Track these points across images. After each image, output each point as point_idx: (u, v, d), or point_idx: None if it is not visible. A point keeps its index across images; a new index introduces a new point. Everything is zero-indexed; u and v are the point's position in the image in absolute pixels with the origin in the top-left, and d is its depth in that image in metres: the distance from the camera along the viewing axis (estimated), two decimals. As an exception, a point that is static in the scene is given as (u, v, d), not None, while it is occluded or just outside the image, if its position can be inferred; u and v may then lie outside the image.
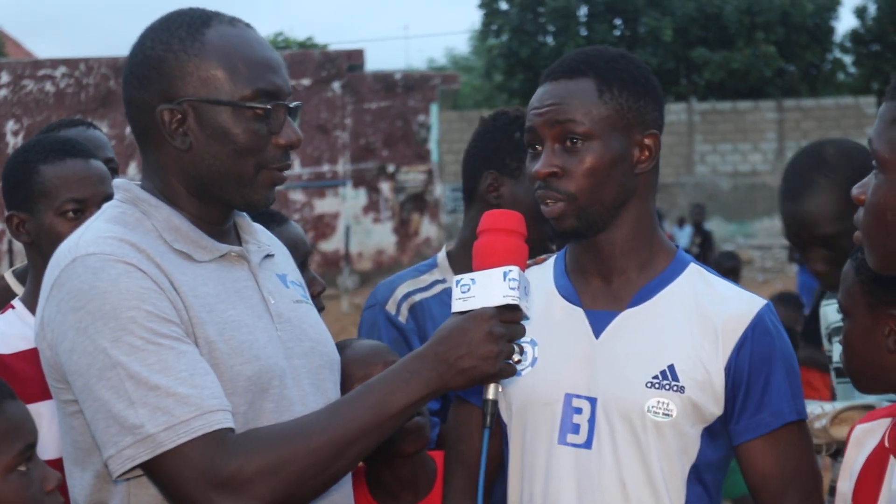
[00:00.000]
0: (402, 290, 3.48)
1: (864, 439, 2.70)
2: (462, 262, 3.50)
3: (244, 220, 2.59)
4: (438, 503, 2.97)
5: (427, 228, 26.42)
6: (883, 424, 2.69)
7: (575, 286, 2.70)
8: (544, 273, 2.78)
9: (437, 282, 3.50)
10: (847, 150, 3.33)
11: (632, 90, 2.61)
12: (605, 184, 2.59)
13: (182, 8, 2.44)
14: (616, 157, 2.59)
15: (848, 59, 41.71)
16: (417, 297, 3.46)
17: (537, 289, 2.71)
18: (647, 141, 2.63)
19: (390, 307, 3.45)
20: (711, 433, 2.60)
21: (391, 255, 26.39)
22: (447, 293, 3.43)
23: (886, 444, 2.62)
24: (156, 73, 2.36)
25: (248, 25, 2.44)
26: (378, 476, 3.03)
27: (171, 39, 2.36)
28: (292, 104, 2.43)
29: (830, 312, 3.58)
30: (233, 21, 2.42)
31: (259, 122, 2.37)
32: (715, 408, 2.58)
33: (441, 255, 3.57)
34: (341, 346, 3.03)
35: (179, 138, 2.37)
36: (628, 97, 2.60)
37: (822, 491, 2.67)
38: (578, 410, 2.61)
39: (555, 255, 2.82)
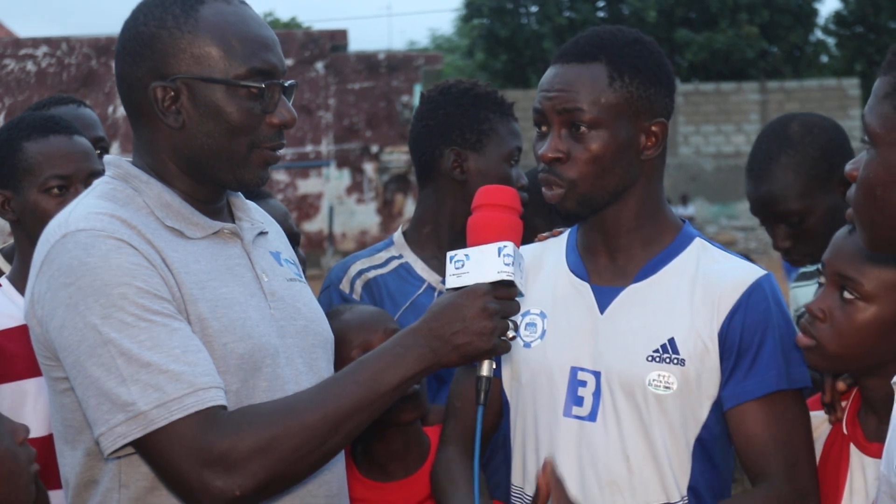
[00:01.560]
0: (355, 268, 3.45)
1: (820, 426, 2.69)
2: (418, 240, 3.50)
3: (238, 197, 2.57)
4: (428, 478, 2.94)
5: (411, 209, 26.37)
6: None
7: (584, 262, 2.72)
8: (558, 248, 2.79)
9: (392, 258, 3.48)
10: (811, 126, 3.32)
11: (643, 77, 2.60)
12: (609, 171, 2.60)
13: None
14: (622, 145, 2.60)
15: (831, 41, 41.77)
16: (372, 274, 3.43)
17: (549, 262, 2.75)
18: (654, 128, 2.63)
19: (344, 286, 3.42)
20: (717, 406, 2.60)
21: (375, 236, 26.38)
22: (404, 268, 3.44)
23: (845, 430, 2.62)
24: (149, 49, 2.34)
25: (243, 2, 2.41)
26: (368, 449, 3.01)
27: (164, 15, 2.34)
28: (287, 83, 2.41)
29: (801, 295, 3.58)
30: None
31: (253, 101, 2.35)
32: (716, 377, 2.58)
33: (397, 234, 3.55)
34: (341, 310, 3.00)
35: (172, 116, 2.35)
36: (639, 85, 2.59)
37: (815, 461, 2.63)
38: (583, 383, 2.62)
39: (569, 230, 2.83)
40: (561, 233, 2.85)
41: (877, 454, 2.52)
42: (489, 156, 3.43)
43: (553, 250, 2.79)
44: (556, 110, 2.60)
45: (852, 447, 2.60)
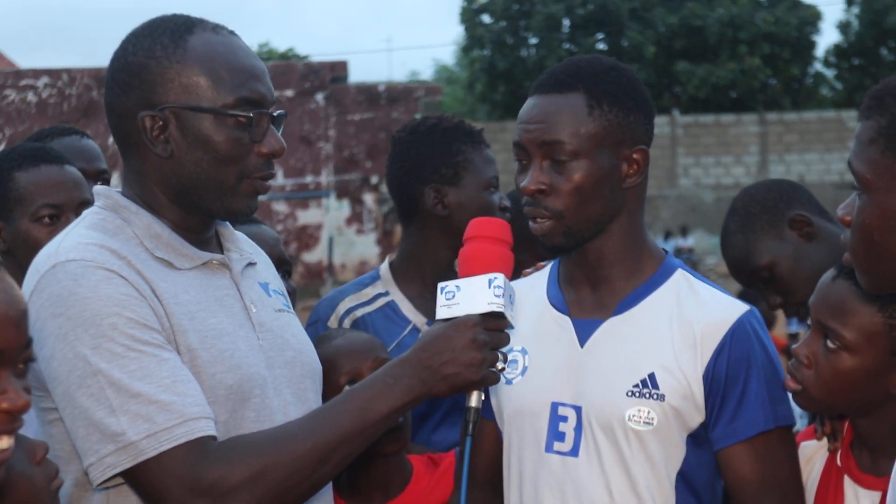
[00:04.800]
0: (343, 306, 3.46)
1: (814, 456, 2.70)
2: (405, 274, 3.51)
3: (226, 228, 2.57)
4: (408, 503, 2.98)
5: (410, 240, 26.37)
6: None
7: (564, 295, 2.70)
8: (540, 282, 2.78)
9: (379, 295, 3.48)
10: (749, 190, 3.55)
11: (622, 105, 2.59)
12: (592, 200, 2.58)
13: (165, 14, 2.42)
14: (604, 174, 2.58)
15: (830, 74, 41.92)
16: (360, 312, 3.44)
17: (531, 297, 2.73)
18: (635, 156, 2.61)
19: (332, 323, 3.43)
20: (695, 439, 2.59)
21: (374, 266, 26.30)
22: (390, 306, 3.45)
23: (839, 462, 2.62)
24: (137, 79, 2.35)
25: (231, 32, 2.42)
26: (350, 475, 3.02)
27: (153, 45, 2.35)
28: (276, 113, 2.41)
29: None
30: (216, 28, 2.40)
31: (241, 131, 2.35)
32: (697, 415, 2.58)
33: (384, 267, 3.55)
34: (333, 335, 3.01)
35: (161, 145, 2.36)
36: (618, 113, 2.58)
37: (803, 498, 2.65)
38: (564, 419, 2.61)
39: (552, 263, 2.81)
40: (543, 267, 2.84)
41: (871, 486, 2.54)
42: (468, 187, 3.45)
43: (536, 285, 2.77)
44: (536, 143, 2.58)
45: (846, 478, 2.60)
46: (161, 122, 2.34)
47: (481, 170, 3.47)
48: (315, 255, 26.24)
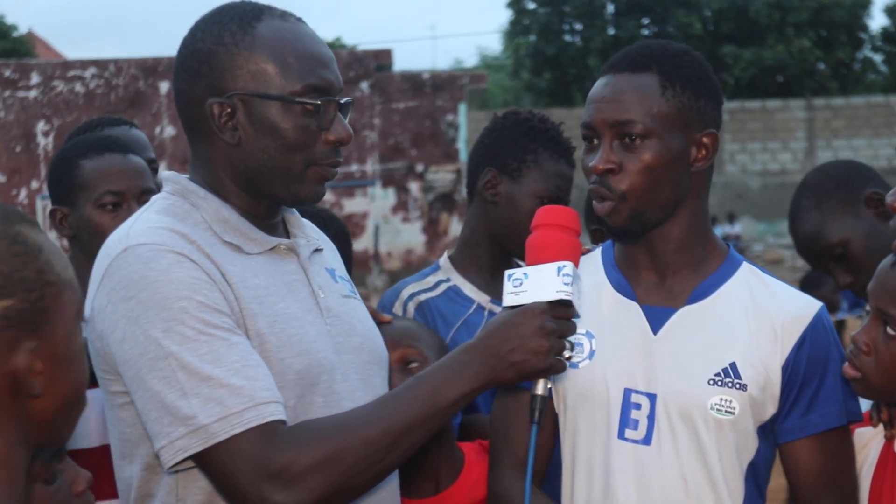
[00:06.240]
0: (407, 292, 3.50)
1: (869, 443, 2.69)
2: (462, 261, 3.55)
3: (293, 214, 2.59)
4: (461, 494, 2.94)
5: (456, 228, 26.40)
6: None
7: (628, 279, 2.68)
8: (592, 264, 2.74)
9: (441, 281, 3.52)
10: (823, 167, 3.53)
11: (694, 88, 2.58)
12: (661, 182, 2.57)
13: (234, 1, 2.43)
14: (674, 156, 2.56)
15: (878, 58, 41.54)
16: (423, 297, 3.47)
17: (587, 280, 2.67)
18: (705, 140, 2.60)
19: (397, 309, 3.45)
20: (765, 431, 2.59)
21: (420, 255, 26.40)
22: (453, 290, 3.48)
23: None
24: (206, 66, 2.36)
25: (299, 20, 2.43)
26: (401, 467, 3.00)
27: (221, 32, 2.36)
28: (343, 100, 2.42)
29: None
30: (284, 15, 2.41)
31: (308, 118, 2.36)
32: (771, 406, 2.58)
33: (443, 259, 3.59)
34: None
35: (228, 132, 2.37)
36: (690, 95, 2.57)
37: (858, 493, 2.65)
38: (637, 406, 2.59)
39: (601, 246, 2.79)
40: (590, 250, 2.80)
41: None
42: (523, 186, 3.46)
43: (588, 268, 2.69)
44: (608, 122, 2.56)
45: None
46: (229, 109, 2.36)
47: (545, 178, 3.47)
48: (361, 244, 26.29)
